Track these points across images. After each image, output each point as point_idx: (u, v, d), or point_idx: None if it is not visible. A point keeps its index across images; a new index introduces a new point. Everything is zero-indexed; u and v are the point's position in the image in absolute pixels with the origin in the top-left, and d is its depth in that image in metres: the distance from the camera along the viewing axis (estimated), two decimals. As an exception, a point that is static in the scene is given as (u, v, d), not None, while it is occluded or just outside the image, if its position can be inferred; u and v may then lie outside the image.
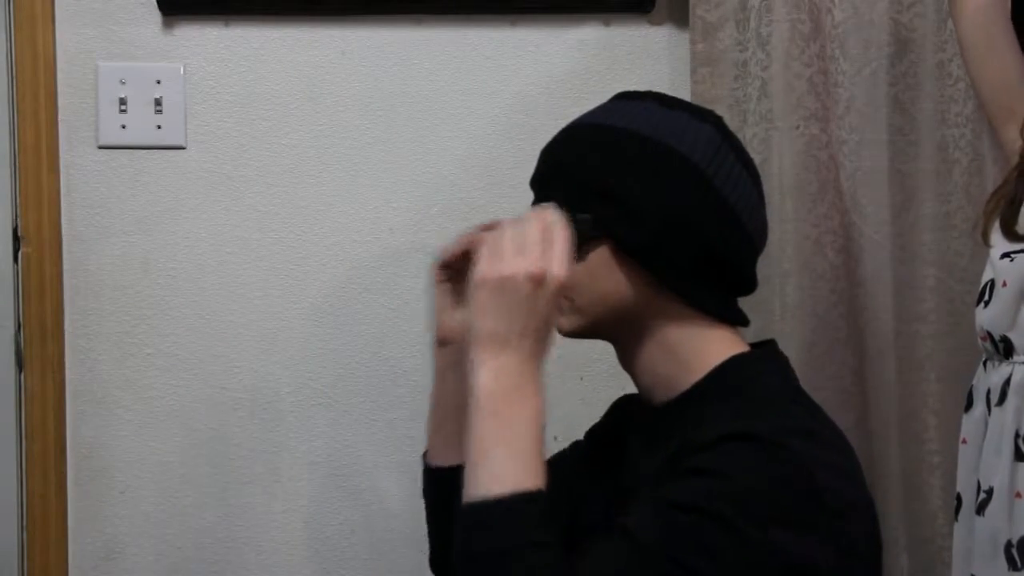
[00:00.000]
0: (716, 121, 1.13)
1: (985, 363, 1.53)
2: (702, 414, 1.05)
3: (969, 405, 1.56)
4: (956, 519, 1.55)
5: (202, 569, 1.80)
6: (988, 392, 1.50)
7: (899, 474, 1.71)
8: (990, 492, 1.46)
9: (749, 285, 1.15)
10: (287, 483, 1.80)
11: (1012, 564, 1.42)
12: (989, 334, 1.50)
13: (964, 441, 1.55)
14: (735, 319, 1.14)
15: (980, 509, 1.47)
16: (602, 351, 1.19)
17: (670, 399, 1.11)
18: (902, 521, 1.70)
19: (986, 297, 1.51)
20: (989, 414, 1.49)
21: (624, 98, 1.17)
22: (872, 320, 1.71)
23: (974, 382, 1.56)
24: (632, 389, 1.18)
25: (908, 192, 1.73)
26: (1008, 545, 1.43)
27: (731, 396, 1.07)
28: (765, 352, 1.15)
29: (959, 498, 1.55)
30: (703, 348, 1.10)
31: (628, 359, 1.15)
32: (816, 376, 1.69)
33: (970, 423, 1.54)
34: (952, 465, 1.70)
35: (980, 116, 1.69)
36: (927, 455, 1.71)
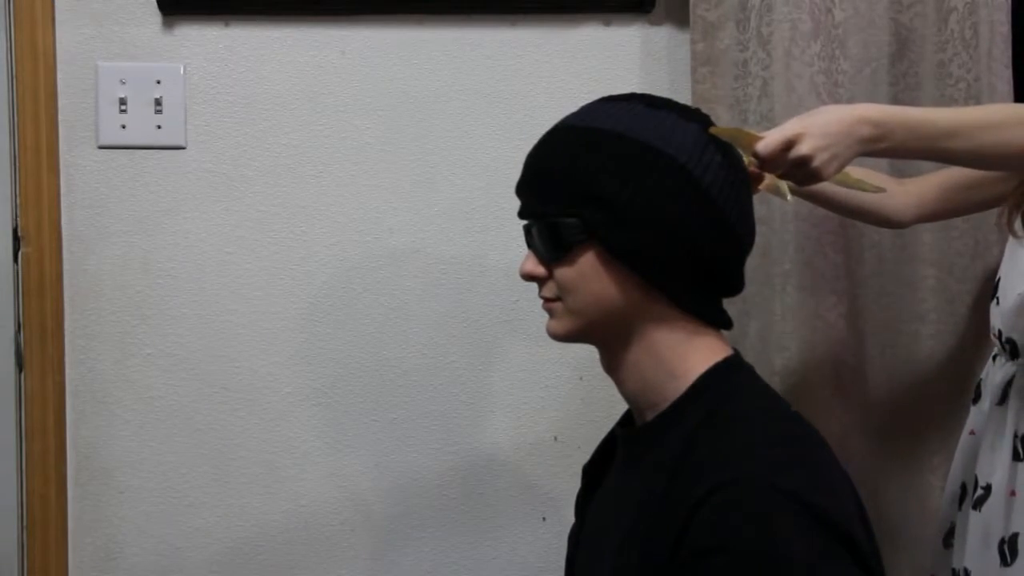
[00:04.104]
0: (703, 120, 1.13)
1: (995, 358, 1.53)
2: (691, 442, 1.05)
3: (977, 398, 1.56)
4: (959, 508, 1.55)
5: (202, 569, 1.80)
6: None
7: (899, 474, 1.71)
8: (988, 489, 1.47)
9: (736, 286, 1.15)
10: (287, 483, 1.80)
11: (1003, 559, 1.43)
12: (1000, 332, 1.50)
13: (972, 432, 1.55)
14: (719, 321, 1.14)
15: (977, 504, 1.48)
16: (602, 351, 1.19)
17: (652, 417, 1.11)
18: (903, 521, 1.70)
19: (998, 294, 1.50)
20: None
21: (609, 100, 1.16)
22: (872, 320, 1.71)
23: (982, 375, 1.56)
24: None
25: (908, 192, 1.73)
26: (1001, 542, 1.44)
27: (713, 419, 1.06)
28: (739, 360, 1.14)
29: (964, 487, 1.55)
30: (687, 354, 1.10)
31: (615, 363, 1.14)
32: (816, 376, 1.69)
33: (979, 415, 1.54)
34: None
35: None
36: (927, 454, 1.71)
